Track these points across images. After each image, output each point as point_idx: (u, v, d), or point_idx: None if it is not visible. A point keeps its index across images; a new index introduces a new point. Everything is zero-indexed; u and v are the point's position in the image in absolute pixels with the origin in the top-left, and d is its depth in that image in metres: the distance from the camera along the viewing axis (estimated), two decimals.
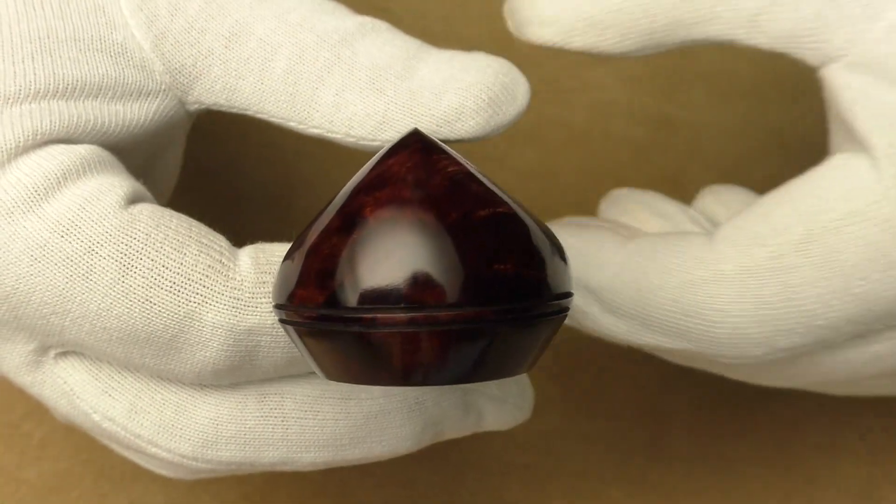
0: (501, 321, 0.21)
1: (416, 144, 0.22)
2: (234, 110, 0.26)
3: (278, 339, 0.25)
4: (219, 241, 0.25)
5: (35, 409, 0.36)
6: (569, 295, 0.22)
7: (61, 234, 0.23)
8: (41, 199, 0.23)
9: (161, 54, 0.26)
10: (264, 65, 0.26)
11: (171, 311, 0.24)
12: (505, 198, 0.22)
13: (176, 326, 0.24)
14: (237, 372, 0.25)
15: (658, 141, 0.37)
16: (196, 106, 0.27)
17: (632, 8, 0.27)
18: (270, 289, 0.24)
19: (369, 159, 0.23)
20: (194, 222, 0.25)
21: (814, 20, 0.26)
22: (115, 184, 0.24)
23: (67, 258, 0.23)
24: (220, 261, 0.24)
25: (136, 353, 0.24)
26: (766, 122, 0.39)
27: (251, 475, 0.36)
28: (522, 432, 0.31)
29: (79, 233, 0.23)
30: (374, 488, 0.37)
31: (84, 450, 0.36)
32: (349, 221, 0.21)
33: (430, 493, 0.37)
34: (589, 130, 0.37)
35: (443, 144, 0.23)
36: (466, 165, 0.22)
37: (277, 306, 0.22)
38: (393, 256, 0.20)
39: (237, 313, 0.24)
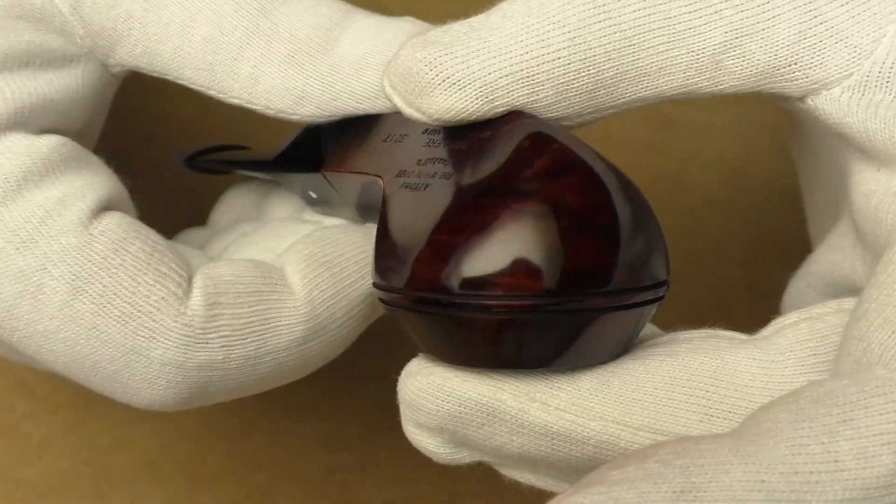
0: (598, 309, 0.21)
1: (528, 131, 0.22)
2: (156, 74, 0.26)
3: (230, 372, 0.24)
4: (179, 269, 0.24)
5: (35, 409, 0.36)
6: (664, 283, 0.22)
7: (17, 246, 0.23)
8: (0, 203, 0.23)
9: (80, 17, 0.25)
10: (183, 31, 0.25)
11: (119, 343, 0.23)
12: (608, 184, 0.21)
13: (122, 359, 0.23)
14: (187, 404, 0.25)
15: (658, 141, 0.37)
16: (119, 69, 0.26)
17: (571, 57, 0.22)
18: (221, 322, 0.24)
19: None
20: (160, 245, 0.24)
21: (795, 45, 0.22)
22: (80, 192, 0.24)
23: (20, 272, 0.23)
24: (176, 293, 0.24)
25: (84, 378, 0.24)
26: (766, 122, 0.39)
27: (251, 476, 0.36)
28: None
29: (34, 248, 0.23)
30: (375, 488, 0.37)
31: (84, 450, 0.36)
32: (464, 211, 0.21)
33: (430, 493, 0.37)
34: (589, 130, 0.37)
35: (552, 126, 0.22)
36: (573, 149, 0.22)
37: (380, 287, 0.22)
38: (498, 244, 0.20)
39: (187, 350, 0.24)
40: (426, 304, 0.21)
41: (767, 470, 0.18)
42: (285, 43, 0.25)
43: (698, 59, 0.22)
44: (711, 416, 0.22)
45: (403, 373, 0.23)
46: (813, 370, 0.22)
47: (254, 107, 0.25)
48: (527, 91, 0.22)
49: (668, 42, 0.22)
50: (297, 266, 0.26)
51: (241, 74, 0.25)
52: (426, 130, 0.24)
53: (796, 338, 0.22)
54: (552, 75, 0.22)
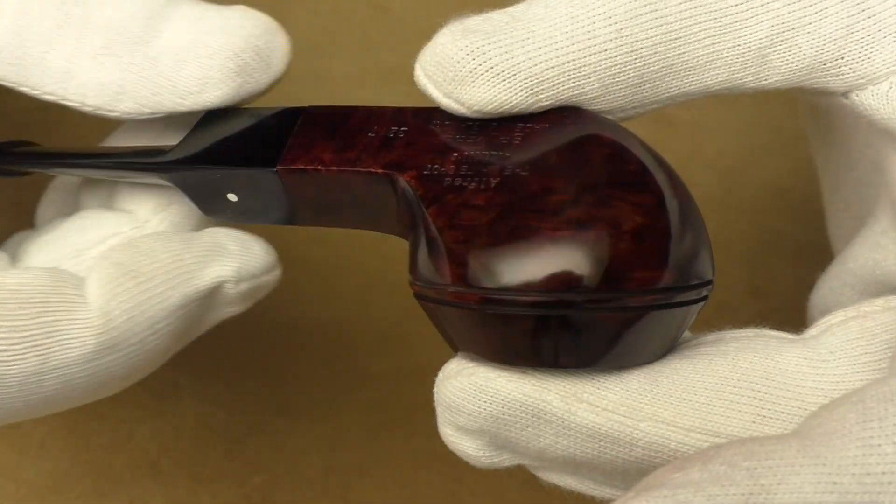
0: (644, 307, 0.20)
1: (587, 130, 0.22)
2: None
3: (10, 390, 0.23)
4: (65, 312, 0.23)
5: None
6: (710, 282, 0.22)
7: None
8: None
9: None
10: None
11: None
12: (656, 180, 0.21)
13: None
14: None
15: (658, 141, 0.37)
16: None
17: (618, 49, 0.21)
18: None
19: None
20: (55, 282, 0.23)
21: (842, 39, 0.22)
22: None
23: None
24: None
25: None
26: (766, 122, 0.39)
27: (251, 476, 0.36)
28: None
29: None
30: (375, 489, 0.37)
31: (84, 450, 0.36)
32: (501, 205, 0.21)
33: (430, 493, 0.37)
34: None
35: (607, 124, 0.22)
36: (625, 144, 0.21)
37: (419, 281, 0.22)
38: (551, 250, 0.20)
39: None
40: (467, 300, 0.21)
41: (839, 471, 0.18)
42: (100, 33, 0.23)
43: (744, 53, 0.22)
44: (764, 416, 0.21)
45: (441, 374, 0.22)
46: (865, 368, 0.22)
47: (69, 103, 0.24)
48: (573, 84, 0.21)
49: (715, 36, 0.22)
50: (100, 274, 0.24)
51: (53, 68, 0.23)
52: (447, 122, 0.23)
53: (846, 336, 0.22)
54: (598, 68, 0.21)
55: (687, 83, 0.22)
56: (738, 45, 0.22)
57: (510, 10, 0.22)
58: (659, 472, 0.19)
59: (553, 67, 0.21)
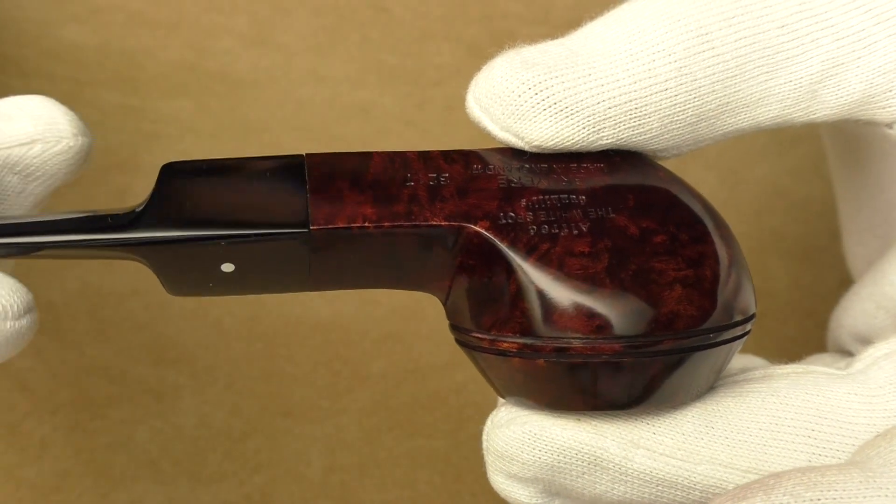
0: (691, 349, 0.21)
1: (647, 180, 0.22)
2: None
3: None
4: None
5: (35, 409, 0.36)
6: (753, 316, 0.22)
7: None
8: None
9: None
10: None
11: None
12: (717, 244, 0.21)
13: None
14: None
15: None
16: None
17: (679, 88, 0.21)
18: None
19: None
20: None
21: (891, 72, 0.22)
22: None
23: None
24: None
25: None
26: None
27: (251, 476, 0.36)
28: None
29: None
30: (375, 489, 0.37)
31: (84, 450, 0.36)
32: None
33: (430, 493, 0.37)
34: None
35: (667, 177, 0.22)
36: (692, 208, 0.22)
37: (458, 330, 0.22)
38: (608, 299, 0.20)
39: None
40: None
41: None
42: None
43: (796, 89, 0.22)
44: (819, 455, 0.21)
45: (490, 423, 0.22)
46: None
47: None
48: (634, 123, 0.21)
49: (768, 72, 0.22)
50: None
51: None
52: (490, 166, 0.22)
53: (894, 370, 0.22)
54: (660, 107, 0.21)
55: (740, 120, 0.22)
56: (791, 82, 0.22)
57: (566, 42, 0.22)
58: (719, 500, 0.18)
59: (616, 106, 0.21)
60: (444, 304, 0.22)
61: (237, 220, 0.21)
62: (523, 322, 0.21)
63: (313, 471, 0.37)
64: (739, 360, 0.25)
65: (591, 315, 0.20)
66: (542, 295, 0.20)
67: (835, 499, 0.18)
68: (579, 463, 0.21)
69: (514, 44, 0.29)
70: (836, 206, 0.29)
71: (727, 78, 0.22)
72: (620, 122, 0.21)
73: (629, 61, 0.21)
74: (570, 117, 0.21)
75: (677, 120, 0.22)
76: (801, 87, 0.22)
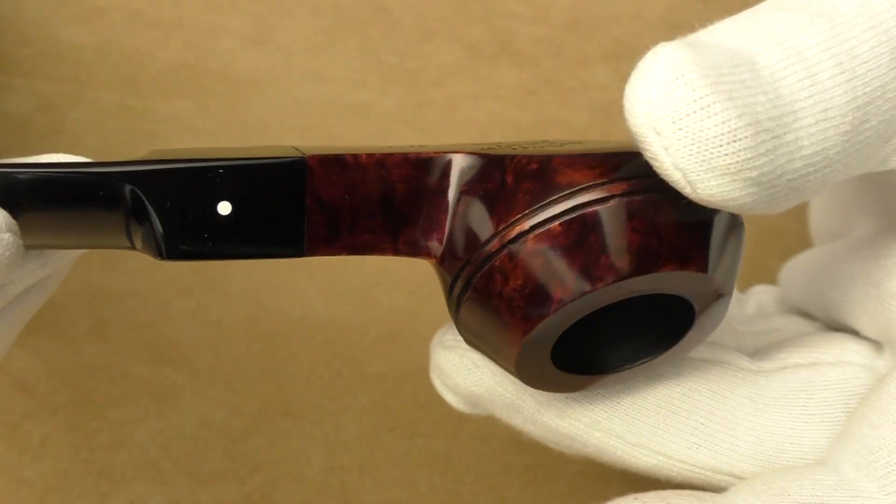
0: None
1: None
2: None
3: None
4: None
5: (35, 409, 0.36)
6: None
7: None
8: None
9: None
10: None
11: None
12: None
13: None
14: None
15: None
16: None
17: (806, 168, 0.19)
18: None
19: None
20: None
21: None
22: None
23: None
24: None
25: None
26: None
27: (251, 476, 0.36)
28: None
29: None
30: (375, 489, 0.37)
31: (84, 450, 0.36)
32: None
33: (431, 493, 0.37)
34: (589, 130, 0.37)
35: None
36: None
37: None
38: None
39: None
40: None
41: None
42: None
43: (873, 162, 0.20)
44: (699, 446, 0.24)
45: (438, 338, 0.25)
46: (798, 421, 0.24)
47: None
48: (793, 193, 0.19)
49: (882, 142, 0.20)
50: None
51: None
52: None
53: (794, 385, 0.24)
54: (791, 179, 0.19)
55: (816, 190, 0.20)
56: (873, 157, 0.20)
57: (777, 78, 0.18)
58: None
59: (792, 180, 0.19)
60: (440, 257, 0.22)
61: (233, 156, 0.21)
62: (529, 196, 0.20)
63: (313, 471, 0.37)
64: (751, 300, 0.28)
65: (592, 165, 0.20)
66: (541, 168, 0.20)
67: None
68: (500, 402, 0.24)
69: (512, 44, 0.28)
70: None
71: (824, 167, 0.19)
72: (786, 197, 0.19)
73: (812, 125, 0.18)
74: (756, 187, 0.18)
75: (788, 194, 0.19)
76: (875, 157, 0.20)
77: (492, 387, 0.24)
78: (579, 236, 0.20)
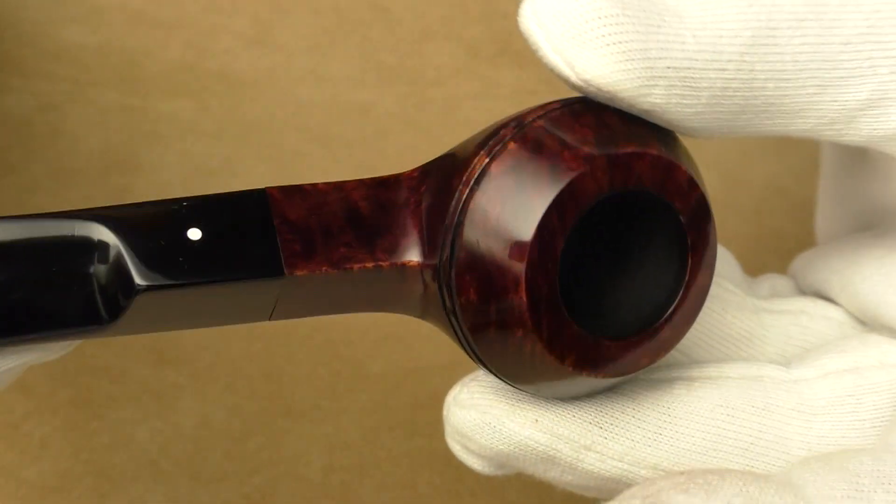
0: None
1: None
2: None
3: None
4: None
5: (35, 409, 0.36)
6: None
7: None
8: None
9: None
10: None
11: None
12: None
13: None
14: None
15: None
16: None
17: (737, 73, 0.20)
18: None
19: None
20: None
21: None
22: None
23: None
24: None
25: None
26: None
27: (251, 476, 0.36)
28: None
29: None
30: (375, 489, 0.37)
31: (84, 450, 0.36)
32: None
33: (430, 493, 0.37)
34: None
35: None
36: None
37: None
38: None
39: None
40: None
41: None
42: None
43: (838, 110, 0.21)
44: (752, 467, 0.23)
45: (452, 399, 0.23)
46: (850, 427, 0.23)
47: None
48: (685, 92, 0.20)
49: (819, 87, 0.21)
50: None
51: None
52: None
53: (839, 392, 0.23)
54: (713, 84, 0.20)
55: (776, 125, 0.22)
56: (836, 101, 0.21)
57: None
58: (664, 483, 0.19)
59: (674, 68, 0.20)
60: (421, 252, 0.22)
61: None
62: (479, 144, 0.21)
63: (313, 471, 0.37)
64: (764, 281, 0.26)
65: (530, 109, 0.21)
66: (487, 132, 0.22)
67: None
68: (532, 457, 0.22)
69: (512, 44, 0.29)
70: (819, 179, 0.29)
71: (781, 80, 0.21)
72: (672, 86, 0.20)
73: (699, 28, 0.20)
74: (629, 62, 0.20)
75: (724, 104, 0.21)
76: (844, 109, 0.21)
77: (522, 441, 0.22)
78: (535, 144, 0.21)
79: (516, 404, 0.22)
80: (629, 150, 0.21)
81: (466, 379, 0.23)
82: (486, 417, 0.22)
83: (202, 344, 0.37)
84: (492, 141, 0.21)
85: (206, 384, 0.37)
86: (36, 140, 0.33)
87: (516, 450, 0.22)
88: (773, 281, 0.28)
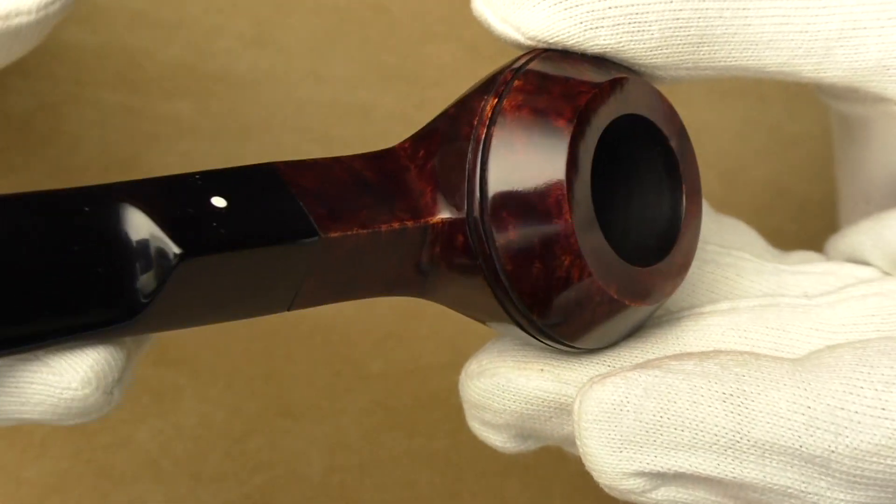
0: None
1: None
2: None
3: None
4: None
5: None
6: None
7: None
8: None
9: None
10: None
11: None
12: None
13: None
14: None
15: None
16: None
17: (684, 4, 0.21)
18: None
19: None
20: None
21: None
22: None
23: None
24: None
25: None
26: (766, 122, 0.39)
27: (251, 476, 0.36)
28: None
29: None
30: (375, 489, 0.37)
31: (84, 449, 0.36)
32: None
33: (430, 493, 0.37)
34: None
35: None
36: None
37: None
38: None
39: None
40: None
41: (816, 399, 0.19)
42: None
43: (810, 40, 0.22)
44: None
45: (463, 373, 0.23)
46: None
47: None
48: (633, 28, 0.21)
49: (784, 16, 0.22)
50: None
51: None
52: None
53: (863, 311, 0.23)
54: (661, 17, 0.21)
55: (746, 56, 0.22)
56: (806, 31, 0.22)
57: None
58: (661, 357, 0.21)
59: (616, 7, 0.21)
60: (439, 203, 0.22)
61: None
62: (481, 91, 0.22)
63: (313, 471, 0.37)
64: (795, 255, 0.26)
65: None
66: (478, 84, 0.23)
67: (756, 378, 0.20)
68: (545, 409, 0.22)
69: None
70: (835, 173, 0.29)
71: (738, 9, 0.22)
72: (619, 25, 0.21)
73: None
74: (569, 10, 0.21)
75: (678, 35, 0.22)
76: (816, 39, 0.22)
77: (532, 393, 0.22)
78: (540, 79, 0.21)
79: (521, 360, 0.23)
80: (623, 75, 0.22)
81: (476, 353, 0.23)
82: (495, 379, 0.22)
83: (202, 344, 0.37)
84: (494, 86, 0.22)
85: (206, 384, 0.37)
86: (36, 140, 0.33)
87: (528, 406, 0.22)
88: (804, 255, 0.27)
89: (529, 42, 0.22)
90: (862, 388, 0.19)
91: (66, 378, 0.19)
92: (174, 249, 0.18)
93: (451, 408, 0.25)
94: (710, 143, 0.38)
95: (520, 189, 0.21)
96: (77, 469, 0.36)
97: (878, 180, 0.28)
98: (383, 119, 0.37)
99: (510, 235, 0.21)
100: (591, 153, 0.21)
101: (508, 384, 0.22)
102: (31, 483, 0.36)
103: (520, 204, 0.21)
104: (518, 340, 0.23)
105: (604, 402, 0.20)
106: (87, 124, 0.31)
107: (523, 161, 0.21)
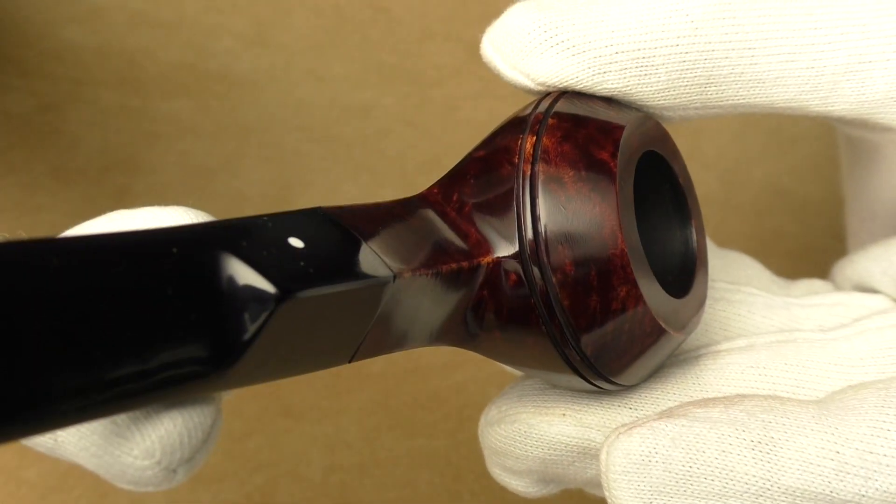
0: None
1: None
2: None
3: None
4: None
5: None
6: None
7: None
8: None
9: None
10: None
11: None
12: None
13: None
14: None
15: None
16: None
17: (690, 47, 0.21)
18: None
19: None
20: None
21: None
22: None
23: None
24: None
25: None
26: (766, 122, 0.39)
27: (251, 476, 0.36)
28: None
29: None
30: (375, 489, 0.37)
31: None
32: None
33: (430, 493, 0.37)
34: None
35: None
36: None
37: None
38: None
39: None
40: None
41: (844, 443, 0.19)
42: None
43: (817, 76, 0.22)
44: None
45: (483, 420, 0.23)
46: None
47: None
48: (640, 72, 0.22)
49: (790, 53, 0.22)
50: None
51: None
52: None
53: (880, 344, 0.23)
54: (668, 60, 0.22)
55: (754, 94, 0.22)
56: (813, 68, 0.22)
57: None
58: (684, 404, 0.20)
59: (623, 52, 0.21)
60: (488, 240, 0.22)
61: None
62: (511, 132, 0.22)
63: (313, 471, 0.37)
64: (801, 284, 0.26)
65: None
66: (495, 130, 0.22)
67: (784, 424, 0.20)
68: (568, 454, 0.22)
69: None
70: (843, 192, 0.29)
71: (744, 48, 0.22)
72: (626, 69, 0.21)
73: (644, 13, 0.21)
74: (577, 56, 0.21)
75: (686, 77, 0.22)
76: (822, 74, 0.22)
77: (554, 438, 0.22)
78: (573, 116, 0.21)
79: (542, 405, 0.22)
80: (641, 114, 0.22)
81: (494, 399, 0.23)
82: (517, 425, 0.22)
83: None
84: (526, 126, 0.22)
85: None
86: (36, 140, 0.33)
87: (551, 451, 0.22)
88: (809, 284, 0.27)
89: (539, 87, 0.22)
90: (888, 430, 0.20)
91: (129, 444, 0.18)
92: (271, 290, 0.17)
93: (451, 408, 0.25)
94: (710, 143, 0.38)
95: (574, 222, 0.21)
96: (77, 469, 0.36)
97: (886, 200, 0.28)
98: (383, 119, 0.37)
99: (567, 269, 0.21)
100: (631, 185, 0.21)
101: (531, 430, 0.22)
102: (31, 483, 0.36)
103: (575, 237, 0.21)
104: (537, 385, 0.23)
105: (632, 453, 0.20)
106: (87, 124, 0.31)
107: (574, 195, 0.21)
